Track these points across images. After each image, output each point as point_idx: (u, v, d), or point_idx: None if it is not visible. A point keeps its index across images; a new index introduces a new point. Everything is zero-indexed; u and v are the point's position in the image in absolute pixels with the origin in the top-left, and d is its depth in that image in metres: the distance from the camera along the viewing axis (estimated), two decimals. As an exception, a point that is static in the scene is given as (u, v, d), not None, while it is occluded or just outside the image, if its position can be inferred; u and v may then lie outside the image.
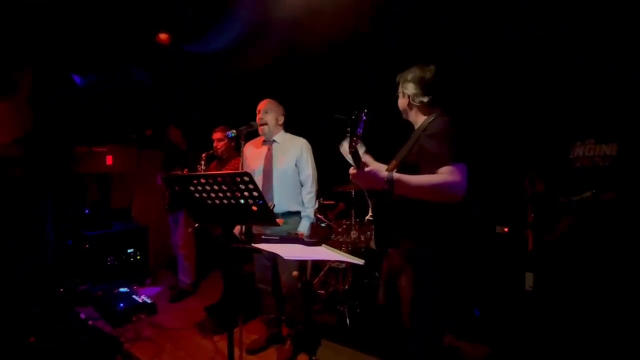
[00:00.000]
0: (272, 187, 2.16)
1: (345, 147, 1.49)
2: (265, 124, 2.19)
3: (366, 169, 1.26)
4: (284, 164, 2.19)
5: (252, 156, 2.29)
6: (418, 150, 1.38)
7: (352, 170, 1.30)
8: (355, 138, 1.23)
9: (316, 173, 2.27)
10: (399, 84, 1.54)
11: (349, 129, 1.22)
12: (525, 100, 2.63)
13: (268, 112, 2.21)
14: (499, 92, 2.72)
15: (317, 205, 2.27)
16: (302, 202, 2.24)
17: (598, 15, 2.18)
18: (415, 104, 1.48)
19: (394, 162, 1.52)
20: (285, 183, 2.18)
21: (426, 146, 1.34)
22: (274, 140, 2.26)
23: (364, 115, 1.24)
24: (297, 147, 2.22)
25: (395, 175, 1.27)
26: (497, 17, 2.45)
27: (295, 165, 2.21)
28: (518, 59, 2.57)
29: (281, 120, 2.27)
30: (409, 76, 1.48)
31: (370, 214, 1.49)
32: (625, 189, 1.86)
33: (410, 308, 1.39)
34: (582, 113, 2.20)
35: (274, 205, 2.00)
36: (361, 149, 1.52)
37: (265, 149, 2.26)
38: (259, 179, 2.17)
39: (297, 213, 2.22)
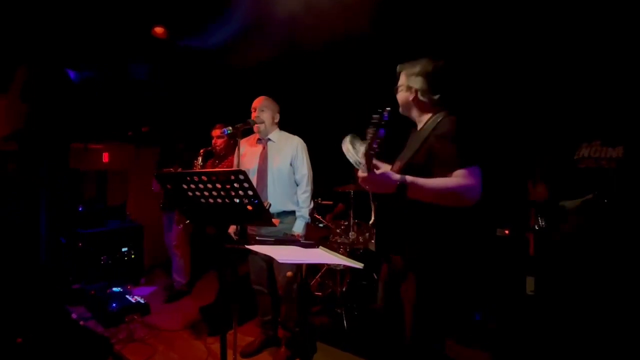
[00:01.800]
0: (267, 186, 2.13)
1: (348, 146, 1.44)
2: (262, 122, 2.15)
3: (378, 172, 1.18)
4: (279, 163, 2.15)
5: (247, 155, 2.24)
6: (427, 151, 1.30)
7: (361, 174, 1.21)
8: (378, 140, 1.13)
9: (311, 172, 2.23)
10: (400, 75, 1.44)
11: (372, 130, 1.13)
12: (531, 101, 2.59)
13: (264, 110, 2.17)
14: (503, 92, 2.68)
15: (312, 205, 2.24)
16: (297, 201, 2.20)
17: (606, 16, 2.14)
18: (422, 99, 1.38)
19: (397, 164, 1.45)
20: (280, 182, 2.14)
21: (438, 148, 1.27)
22: (269, 139, 2.21)
23: (387, 115, 1.14)
24: (293, 146, 2.18)
25: (409, 178, 1.19)
26: (501, 17, 2.41)
27: (291, 164, 2.17)
28: (524, 60, 2.53)
29: (277, 118, 2.24)
30: (417, 69, 1.39)
31: (373, 218, 1.43)
32: (629, 192, 1.82)
33: (413, 315, 1.33)
34: (589, 114, 2.16)
35: (270, 205, 1.95)
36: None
37: (260, 147, 2.22)
38: (253, 178, 2.14)
39: (293, 212, 2.19)
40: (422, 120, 1.42)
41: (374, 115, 1.13)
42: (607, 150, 1.93)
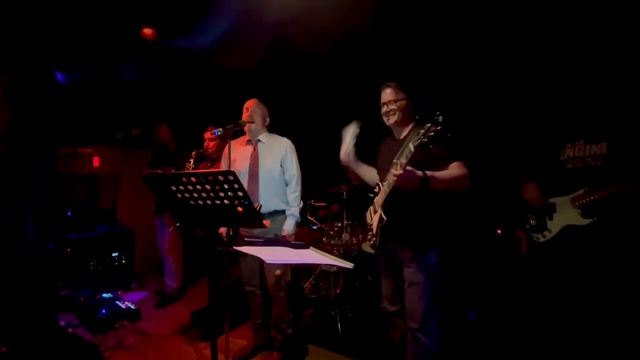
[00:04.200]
0: (258, 187, 2.16)
1: (350, 131, 1.79)
2: (253, 122, 2.19)
3: (407, 169, 1.40)
4: (270, 164, 2.20)
5: (238, 157, 2.26)
6: (424, 152, 1.51)
7: (397, 172, 1.41)
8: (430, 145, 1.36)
9: (300, 173, 2.28)
10: (389, 91, 1.69)
11: (433, 128, 1.30)
12: (516, 103, 2.63)
13: (256, 111, 2.21)
14: (490, 94, 2.72)
15: (301, 204, 2.29)
16: (288, 201, 2.25)
17: (584, 16, 2.19)
18: (412, 110, 1.69)
19: (398, 163, 1.61)
20: (271, 183, 2.18)
21: (433, 148, 1.49)
22: (259, 140, 2.25)
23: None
24: (282, 147, 2.24)
25: (428, 173, 1.46)
26: (483, 21, 2.45)
27: (281, 165, 2.22)
28: (508, 63, 2.58)
29: (267, 121, 2.29)
30: (405, 84, 1.67)
31: (382, 214, 1.61)
32: (617, 187, 1.84)
33: (419, 292, 1.60)
34: (571, 114, 2.20)
35: (261, 206, 1.95)
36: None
37: (250, 149, 2.25)
38: (245, 180, 2.17)
39: (283, 212, 2.23)
40: (406, 129, 1.71)
41: (438, 119, 1.29)
42: (591, 148, 1.95)
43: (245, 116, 2.20)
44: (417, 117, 1.72)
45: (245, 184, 2.08)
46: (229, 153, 2.09)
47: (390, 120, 1.71)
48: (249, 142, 2.26)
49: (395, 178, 1.43)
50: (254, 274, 2.23)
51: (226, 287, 2.66)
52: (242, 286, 2.30)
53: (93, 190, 3.95)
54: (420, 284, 1.60)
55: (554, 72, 2.45)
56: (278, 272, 2.01)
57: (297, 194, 2.24)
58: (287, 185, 2.25)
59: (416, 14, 2.57)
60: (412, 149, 1.36)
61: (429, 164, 1.53)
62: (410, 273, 1.63)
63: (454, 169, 1.53)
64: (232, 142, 2.28)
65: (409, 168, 1.40)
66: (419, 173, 1.43)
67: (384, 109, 1.72)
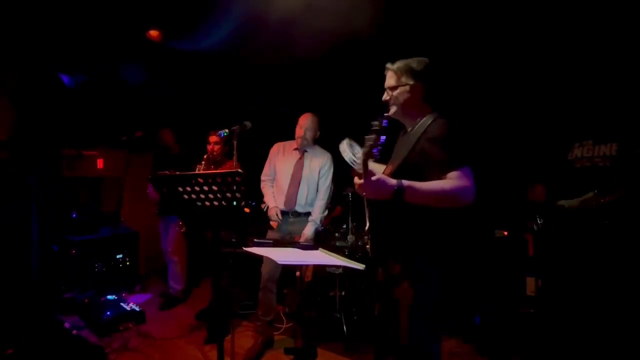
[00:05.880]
0: (299, 190, 2.44)
1: (345, 147, 1.40)
2: (306, 138, 2.43)
3: (373, 178, 1.16)
4: (311, 172, 2.47)
5: (282, 160, 2.53)
6: (419, 154, 1.28)
7: (358, 181, 1.21)
8: (378, 147, 1.14)
9: (332, 186, 2.51)
10: (391, 73, 1.39)
11: (371, 136, 1.13)
12: (524, 102, 2.61)
13: (310, 129, 2.43)
14: (497, 94, 2.70)
15: (325, 214, 2.49)
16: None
17: (594, 15, 2.18)
18: (418, 98, 1.36)
19: (389, 167, 1.43)
20: (310, 189, 2.46)
21: (430, 151, 1.25)
22: (306, 151, 2.52)
23: (386, 122, 1.16)
24: (324, 160, 2.50)
25: (405, 183, 1.18)
26: (496, 22, 2.44)
27: (319, 174, 2.48)
28: (516, 61, 2.56)
29: (317, 135, 2.51)
30: (413, 67, 1.34)
31: (368, 224, 1.43)
32: (626, 189, 1.82)
33: (409, 315, 1.33)
34: (580, 114, 2.18)
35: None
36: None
37: (296, 155, 2.53)
38: (287, 182, 2.46)
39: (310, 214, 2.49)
40: (413, 122, 1.39)
41: (374, 122, 1.12)
42: (600, 149, 1.93)
43: (299, 132, 2.43)
44: (430, 105, 1.40)
45: (286, 187, 2.45)
46: (236, 154, 2.08)
47: (390, 111, 1.40)
48: (296, 149, 2.51)
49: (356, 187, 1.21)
50: (276, 272, 2.34)
51: (231, 289, 2.66)
52: (260, 281, 2.36)
53: (97, 192, 3.96)
54: (400, 302, 1.36)
55: (563, 71, 2.42)
56: (298, 273, 2.13)
57: (323, 202, 2.48)
58: (317, 192, 2.49)
59: (417, 13, 2.55)
60: (363, 157, 1.15)
61: (424, 171, 1.26)
62: (399, 292, 1.38)
63: (450, 181, 1.20)
64: (279, 144, 2.60)
65: (376, 177, 1.17)
66: (391, 183, 1.17)
67: (384, 96, 1.42)
